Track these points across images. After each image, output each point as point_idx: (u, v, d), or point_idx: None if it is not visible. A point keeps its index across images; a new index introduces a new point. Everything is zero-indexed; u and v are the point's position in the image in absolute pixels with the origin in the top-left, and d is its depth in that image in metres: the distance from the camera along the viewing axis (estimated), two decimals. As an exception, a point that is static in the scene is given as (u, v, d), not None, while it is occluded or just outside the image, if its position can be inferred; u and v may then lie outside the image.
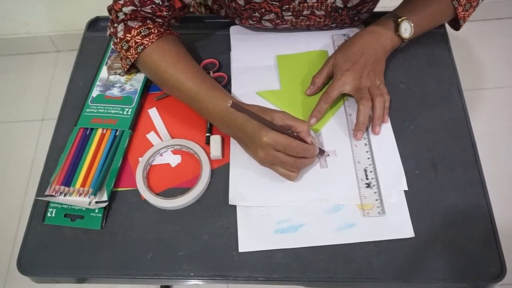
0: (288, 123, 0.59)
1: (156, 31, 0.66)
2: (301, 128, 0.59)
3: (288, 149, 0.57)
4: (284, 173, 0.59)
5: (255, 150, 0.59)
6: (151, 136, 0.68)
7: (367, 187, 0.61)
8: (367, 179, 0.62)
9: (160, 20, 0.68)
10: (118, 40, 0.67)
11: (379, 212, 0.59)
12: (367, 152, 0.64)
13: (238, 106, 0.55)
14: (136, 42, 0.65)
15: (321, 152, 0.63)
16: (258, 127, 0.57)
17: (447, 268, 0.56)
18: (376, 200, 0.60)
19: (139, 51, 0.66)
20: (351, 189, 0.61)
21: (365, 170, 0.62)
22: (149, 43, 0.65)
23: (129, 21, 0.67)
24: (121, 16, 0.66)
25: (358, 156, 0.64)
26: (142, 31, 0.66)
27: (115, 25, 0.68)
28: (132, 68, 0.71)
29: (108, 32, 0.70)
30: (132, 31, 0.66)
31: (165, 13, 0.67)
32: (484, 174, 0.62)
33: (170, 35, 0.68)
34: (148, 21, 0.67)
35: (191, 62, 0.67)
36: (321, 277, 0.56)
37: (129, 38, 0.66)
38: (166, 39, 0.67)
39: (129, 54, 0.67)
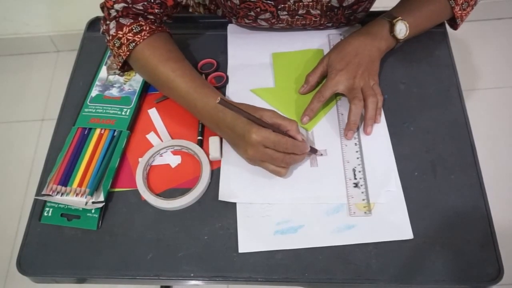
0: (276, 121, 0.59)
1: (147, 28, 0.66)
2: (290, 127, 0.59)
3: (278, 145, 0.57)
4: (274, 169, 0.60)
5: (244, 148, 0.59)
6: (151, 136, 0.68)
7: (354, 186, 0.61)
8: (355, 178, 0.62)
9: (152, 17, 0.68)
10: (111, 37, 0.67)
11: (365, 212, 0.59)
12: (356, 152, 0.64)
13: (227, 103, 0.55)
14: (128, 39, 0.66)
15: (313, 150, 0.63)
16: (247, 124, 0.58)
17: (445, 270, 0.56)
18: (363, 200, 0.60)
19: (130, 48, 0.66)
20: (339, 188, 0.61)
21: (354, 170, 0.63)
22: (141, 40, 0.66)
23: (121, 18, 0.67)
24: (113, 13, 0.67)
25: (348, 156, 0.64)
26: (133, 28, 0.66)
27: (108, 22, 0.68)
28: (126, 66, 0.72)
29: (101, 30, 0.70)
30: (124, 28, 0.66)
31: (156, 10, 0.67)
32: (483, 176, 0.62)
33: (162, 32, 0.69)
34: (140, 18, 0.67)
35: (182, 60, 0.67)
36: (321, 278, 0.56)
37: (121, 35, 0.66)
38: (157, 36, 0.67)
39: (121, 51, 0.67)
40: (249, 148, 0.58)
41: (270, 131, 0.57)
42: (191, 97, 0.63)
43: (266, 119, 0.59)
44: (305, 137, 0.61)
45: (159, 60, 0.65)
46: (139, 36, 0.66)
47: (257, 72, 0.74)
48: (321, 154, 0.64)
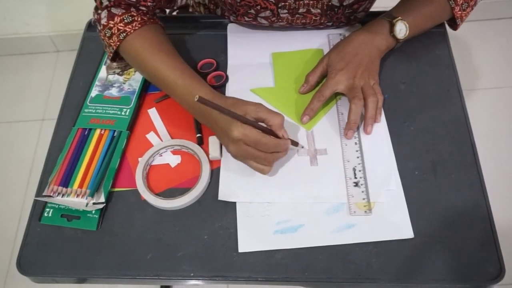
0: (261, 115, 0.58)
1: (139, 19, 0.66)
2: (273, 122, 0.58)
3: (259, 145, 0.56)
4: (257, 167, 0.59)
5: (226, 143, 0.59)
6: (151, 136, 0.68)
7: (355, 186, 0.61)
8: (355, 178, 0.62)
9: (144, 9, 0.68)
10: (102, 27, 0.67)
11: (365, 212, 0.59)
12: (357, 151, 0.64)
13: (206, 100, 0.54)
14: (118, 29, 0.66)
15: (294, 143, 0.63)
16: (230, 120, 0.57)
17: (446, 269, 0.56)
18: (363, 199, 0.60)
19: (121, 38, 0.66)
20: (339, 187, 0.61)
21: (354, 169, 0.63)
22: (132, 31, 0.66)
23: (112, 8, 0.67)
24: (105, 2, 0.67)
25: (348, 155, 0.64)
26: (125, 18, 0.66)
27: (99, 11, 0.68)
28: (117, 57, 0.71)
29: (92, 19, 0.70)
30: (115, 18, 0.66)
31: (149, 3, 0.67)
32: (484, 175, 0.62)
33: (154, 24, 0.69)
34: (132, 9, 0.67)
35: (172, 52, 0.67)
36: (321, 277, 0.56)
37: (112, 25, 0.66)
38: (149, 27, 0.67)
39: (112, 41, 0.67)
40: (231, 144, 0.58)
41: (252, 129, 0.56)
42: (180, 89, 0.63)
43: (251, 114, 0.58)
44: (286, 133, 0.60)
45: (149, 51, 0.65)
46: (130, 27, 0.66)
47: (257, 72, 0.74)
48: (302, 147, 0.64)
